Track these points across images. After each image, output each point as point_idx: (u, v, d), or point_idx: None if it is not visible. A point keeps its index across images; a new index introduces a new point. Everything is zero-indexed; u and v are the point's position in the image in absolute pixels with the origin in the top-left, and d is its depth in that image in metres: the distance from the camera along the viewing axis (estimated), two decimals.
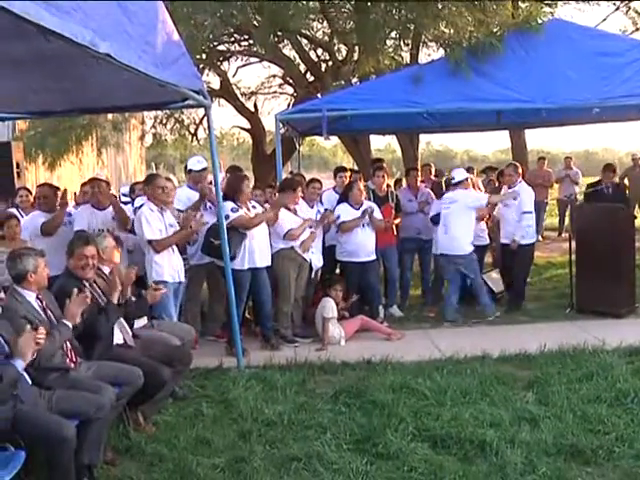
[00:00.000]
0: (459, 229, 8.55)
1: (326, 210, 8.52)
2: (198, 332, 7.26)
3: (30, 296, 4.73)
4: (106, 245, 5.72)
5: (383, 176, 9.10)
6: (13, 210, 8.31)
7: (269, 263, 7.78)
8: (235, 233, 7.29)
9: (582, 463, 4.61)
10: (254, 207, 7.80)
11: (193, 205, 7.58)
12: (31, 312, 4.64)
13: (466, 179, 8.82)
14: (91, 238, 5.46)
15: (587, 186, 10.23)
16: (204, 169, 7.91)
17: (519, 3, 10.82)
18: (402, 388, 6.00)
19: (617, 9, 17.07)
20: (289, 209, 7.93)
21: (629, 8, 16.80)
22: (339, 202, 8.54)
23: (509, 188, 9.01)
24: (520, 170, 9.16)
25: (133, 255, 7.30)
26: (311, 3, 12.89)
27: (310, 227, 8.05)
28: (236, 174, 8.36)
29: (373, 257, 8.47)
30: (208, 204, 7.81)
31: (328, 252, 8.59)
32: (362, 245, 8.33)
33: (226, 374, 6.73)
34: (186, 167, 8.39)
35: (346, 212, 8.37)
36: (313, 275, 8.39)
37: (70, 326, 4.74)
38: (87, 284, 5.31)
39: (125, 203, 8.43)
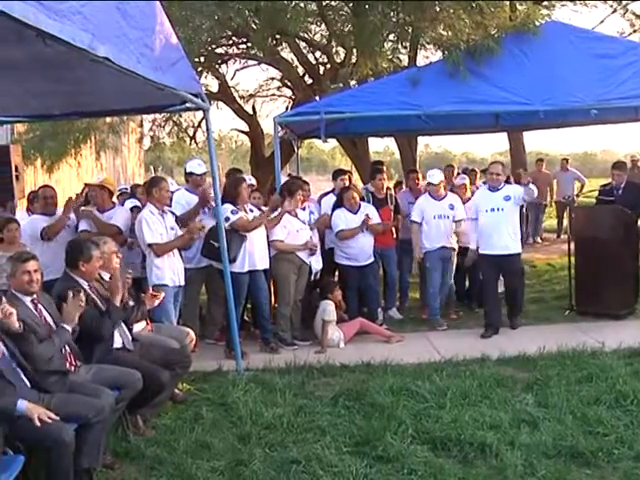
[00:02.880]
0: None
1: (324, 214, 8.55)
2: (198, 335, 7.25)
3: (27, 299, 4.74)
4: (105, 250, 5.72)
5: (383, 179, 9.10)
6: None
7: (267, 266, 7.78)
8: (235, 236, 7.30)
9: (582, 465, 4.62)
10: (251, 210, 7.81)
11: (193, 209, 7.57)
12: (29, 316, 4.64)
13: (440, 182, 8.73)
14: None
15: (600, 187, 9.89)
16: (205, 173, 7.89)
17: (517, 5, 10.80)
18: (401, 391, 6.01)
19: (614, 11, 17.05)
20: (290, 213, 7.94)
21: (626, 10, 16.78)
22: (335, 207, 8.56)
23: (493, 190, 8.16)
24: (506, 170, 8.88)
25: (130, 255, 7.32)
26: (309, 6, 12.88)
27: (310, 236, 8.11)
28: (234, 176, 8.36)
29: (372, 260, 8.48)
30: (207, 207, 7.80)
31: (327, 255, 8.60)
32: (362, 250, 8.35)
33: (225, 377, 6.73)
34: (185, 170, 8.36)
35: (344, 217, 8.39)
36: (312, 278, 8.38)
37: (69, 329, 4.75)
38: (86, 288, 5.31)
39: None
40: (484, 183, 9.32)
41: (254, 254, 7.57)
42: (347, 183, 9.05)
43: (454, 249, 8.75)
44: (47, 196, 7.50)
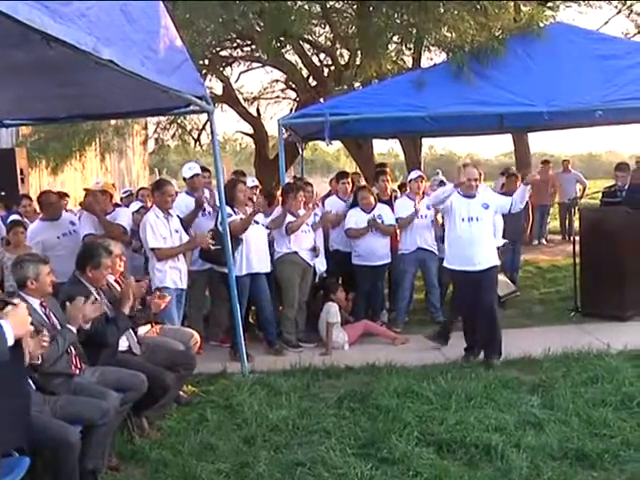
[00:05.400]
0: None
1: (325, 212, 8.55)
2: (203, 337, 7.26)
3: (34, 302, 4.73)
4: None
5: (386, 180, 9.10)
6: (17, 217, 8.33)
7: (268, 269, 7.78)
8: (231, 239, 7.27)
9: (588, 467, 4.60)
10: (253, 212, 7.76)
11: (190, 213, 7.58)
12: (36, 318, 4.64)
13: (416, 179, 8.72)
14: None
15: (604, 189, 9.87)
16: (196, 175, 7.87)
17: (521, 6, 10.79)
18: (406, 392, 5.99)
19: (619, 12, 17.08)
20: (293, 214, 7.93)
21: (631, 11, 16.81)
22: (351, 207, 8.58)
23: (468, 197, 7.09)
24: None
25: (133, 258, 7.34)
26: (313, 8, 12.90)
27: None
28: (231, 179, 8.36)
29: (387, 260, 8.47)
30: (207, 210, 7.81)
31: (332, 256, 8.60)
32: (373, 249, 8.32)
33: (230, 379, 6.73)
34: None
35: (357, 217, 8.40)
36: (317, 279, 8.38)
37: (74, 331, 4.75)
38: (94, 291, 5.32)
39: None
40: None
41: (252, 257, 7.56)
42: (349, 187, 9.05)
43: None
44: (52, 202, 7.52)
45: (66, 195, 10.49)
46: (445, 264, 7.31)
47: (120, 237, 7.10)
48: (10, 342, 2.64)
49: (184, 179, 8.03)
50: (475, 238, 6.96)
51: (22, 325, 2.68)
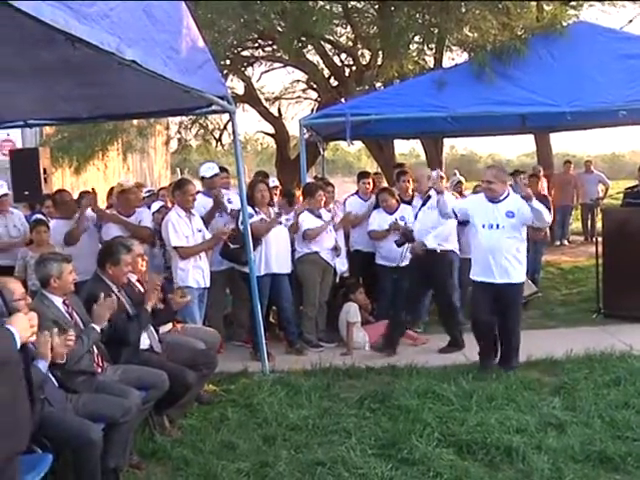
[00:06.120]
0: None
1: (347, 212, 8.55)
2: (223, 337, 7.29)
3: (57, 300, 4.78)
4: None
5: (407, 181, 9.06)
6: (40, 216, 8.39)
7: (289, 270, 7.80)
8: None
9: (610, 470, 4.57)
10: (278, 214, 7.80)
11: (208, 212, 7.61)
12: (58, 316, 4.68)
13: None
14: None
15: (625, 190, 9.77)
16: (215, 175, 7.92)
17: (544, 6, 10.73)
18: (427, 393, 5.98)
19: None
20: (312, 213, 7.94)
21: None
22: (374, 208, 8.58)
23: (492, 201, 6.63)
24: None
25: (154, 258, 7.38)
26: (335, 8, 12.90)
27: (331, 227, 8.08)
28: (251, 179, 8.37)
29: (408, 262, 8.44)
30: (227, 209, 7.84)
31: (353, 257, 8.60)
32: (392, 251, 8.29)
33: (251, 378, 6.74)
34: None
35: (380, 219, 8.39)
36: (337, 279, 8.38)
37: (98, 329, 4.79)
38: (116, 289, 5.36)
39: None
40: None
41: (271, 258, 7.58)
42: (369, 186, 9.04)
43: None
44: (66, 200, 7.58)
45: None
46: (470, 275, 6.93)
47: (148, 239, 7.18)
48: (17, 346, 2.83)
49: (202, 179, 8.04)
50: (495, 247, 6.53)
51: (27, 331, 2.85)
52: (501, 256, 6.51)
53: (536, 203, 6.40)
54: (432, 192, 7.35)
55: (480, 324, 6.80)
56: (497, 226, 6.53)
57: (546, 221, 6.65)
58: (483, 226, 6.62)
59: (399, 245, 7.74)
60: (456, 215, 6.97)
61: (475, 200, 7.07)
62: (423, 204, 7.57)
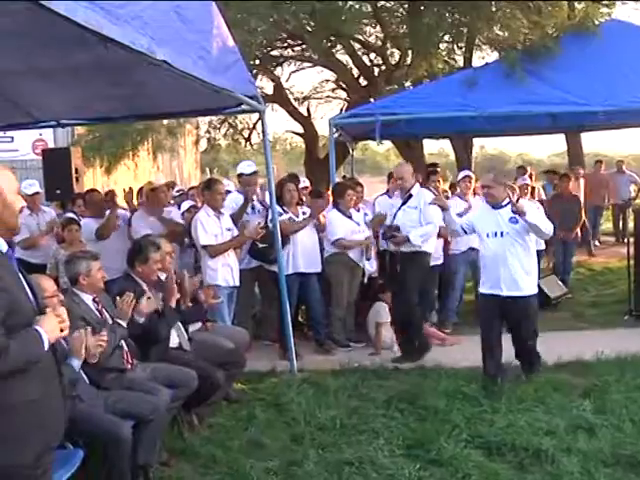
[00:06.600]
0: None
1: (378, 213, 8.51)
2: (251, 336, 7.31)
3: (87, 298, 4.83)
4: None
5: (438, 180, 9.02)
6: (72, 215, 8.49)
7: (318, 269, 7.80)
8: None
9: None
10: (304, 213, 7.81)
11: (239, 209, 7.64)
12: (88, 313, 4.73)
13: None
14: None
15: None
16: (254, 172, 7.96)
17: (575, 4, 10.64)
18: (455, 394, 5.94)
19: None
20: (344, 213, 7.94)
21: None
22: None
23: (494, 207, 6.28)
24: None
25: (184, 256, 7.43)
26: (364, 7, 12.90)
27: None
28: (280, 179, 8.39)
29: (439, 262, 8.40)
30: (257, 207, 7.86)
31: (381, 257, 8.58)
32: None
33: (279, 378, 6.76)
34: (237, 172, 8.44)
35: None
36: (366, 280, 8.37)
37: (124, 324, 4.83)
38: (145, 288, 5.40)
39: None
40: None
41: (299, 257, 7.61)
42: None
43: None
44: (96, 200, 7.68)
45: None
46: (479, 288, 6.65)
47: (182, 235, 7.25)
48: (45, 347, 2.86)
49: (240, 175, 8.05)
50: (500, 256, 6.12)
51: (55, 331, 2.93)
52: (507, 265, 6.10)
53: (531, 216, 6.00)
54: (413, 191, 7.29)
55: (487, 340, 6.35)
56: (501, 234, 6.15)
57: (545, 234, 6.24)
58: (488, 235, 6.26)
59: (386, 238, 7.61)
60: (466, 232, 6.68)
61: (478, 209, 6.85)
62: (404, 203, 7.42)
